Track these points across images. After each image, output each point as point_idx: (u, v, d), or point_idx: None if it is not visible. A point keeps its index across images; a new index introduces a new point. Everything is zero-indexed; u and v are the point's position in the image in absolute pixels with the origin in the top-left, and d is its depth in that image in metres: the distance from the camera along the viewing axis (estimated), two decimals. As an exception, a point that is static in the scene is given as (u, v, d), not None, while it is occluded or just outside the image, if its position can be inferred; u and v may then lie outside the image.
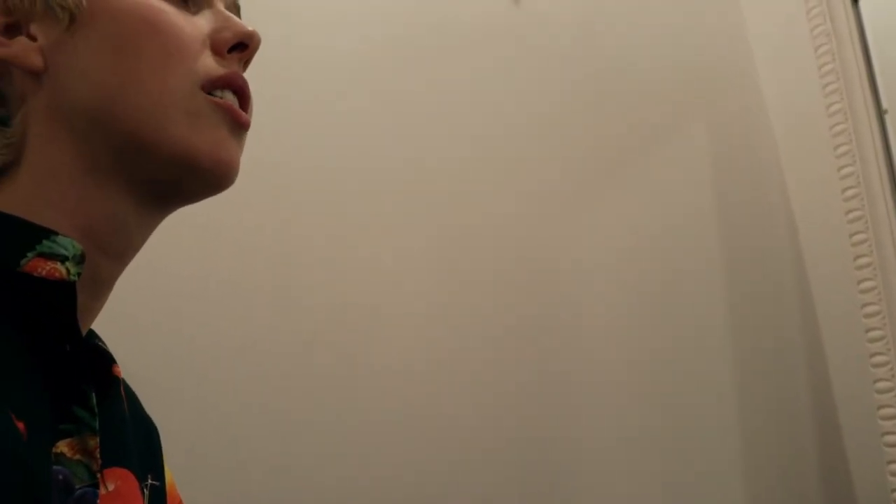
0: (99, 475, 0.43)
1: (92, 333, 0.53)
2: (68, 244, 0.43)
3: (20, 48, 0.46)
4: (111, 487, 0.46)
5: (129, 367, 0.57)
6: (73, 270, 0.43)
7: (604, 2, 1.37)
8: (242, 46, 0.51)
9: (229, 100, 0.50)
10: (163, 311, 0.91)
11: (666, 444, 1.18)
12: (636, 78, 1.33)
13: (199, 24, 0.50)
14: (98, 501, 0.43)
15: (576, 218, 1.25)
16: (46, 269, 0.42)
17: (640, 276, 1.25)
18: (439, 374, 1.09)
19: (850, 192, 1.08)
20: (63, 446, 0.42)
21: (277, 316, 0.98)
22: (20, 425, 0.36)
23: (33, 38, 0.46)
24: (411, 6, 1.22)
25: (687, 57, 1.36)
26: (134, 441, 0.53)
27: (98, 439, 0.43)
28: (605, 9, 1.37)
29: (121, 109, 0.46)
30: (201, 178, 0.48)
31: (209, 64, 0.49)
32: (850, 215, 1.07)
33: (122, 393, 0.53)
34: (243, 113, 0.50)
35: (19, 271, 0.41)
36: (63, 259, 0.42)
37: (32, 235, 0.42)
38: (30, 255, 0.41)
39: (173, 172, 0.47)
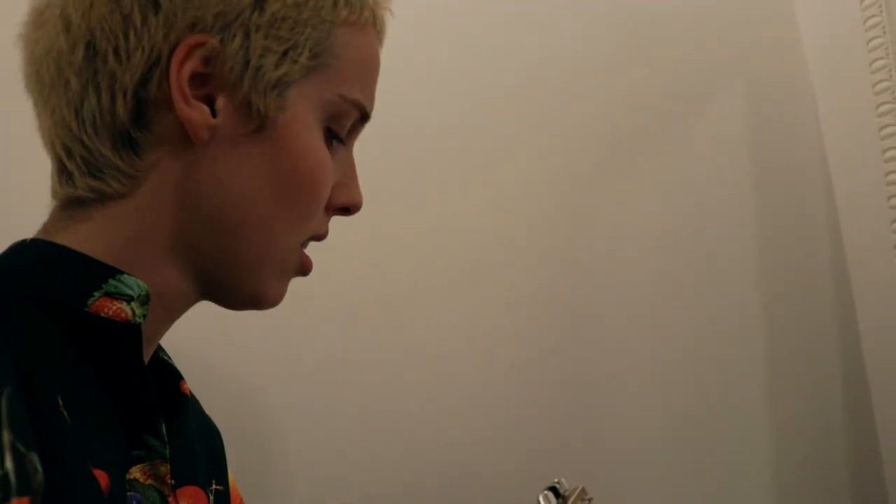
0: (171, 498, 0.47)
1: (157, 347, 0.55)
2: (133, 283, 0.44)
3: (198, 116, 0.45)
4: None
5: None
6: (138, 312, 0.44)
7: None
8: (345, 210, 0.53)
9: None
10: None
11: (691, 383, 1.22)
12: (671, 33, 1.28)
13: (334, 174, 0.51)
14: None
15: (608, 171, 1.24)
16: (113, 309, 0.43)
17: (671, 225, 1.25)
18: (472, 331, 1.13)
19: (890, 154, 1.05)
20: (136, 472, 0.44)
21: (317, 290, 1.00)
22: (100, 473, 0.39)
23: (214, 112, 0.45)
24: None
25: (725, 11, 1.29)
26: (200, 452, 0.56)
27: (169, 465, 0.46)
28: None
29: (242, 241, 0.47)
30: (253, 308, 0.51)
31: (319, 224, 0.52)
32: (889, 177, 1.05)
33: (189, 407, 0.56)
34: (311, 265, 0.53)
35: (86, 311, 0.42)
36: (129, 299, 0.43)
37: (99, 274, 0.43)
38: (96, 294, 0.43)
39: (234, 301, 0.50)
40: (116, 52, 0.43)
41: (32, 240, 0.46)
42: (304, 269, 0.52)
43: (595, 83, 1.25)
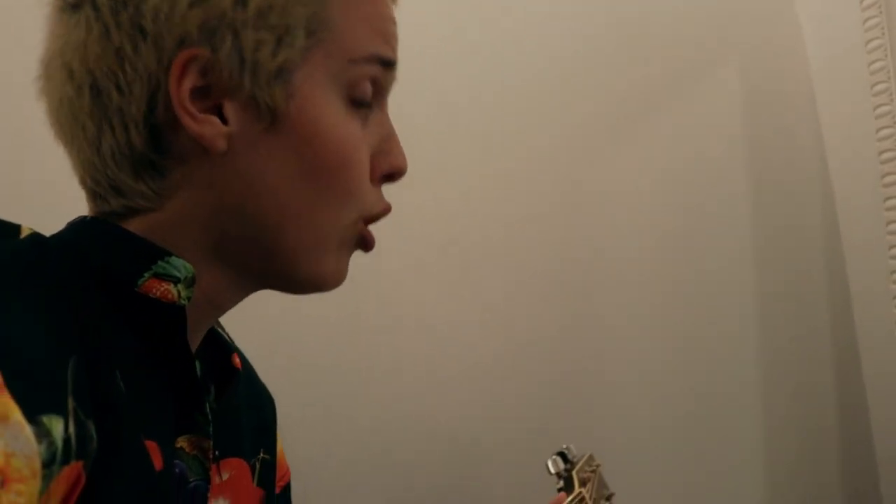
0: (213, 467, 0.48)
1: None
2: (181, 265, 0.44)
3: (209, 129, 0.44)
4: (224, 477, 0.50)
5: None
6: (183, 294, 0.44)
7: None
8: (389, 177, 0.51)
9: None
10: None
11: (688, 381, 1.22)
12: (671, 34, 1.29)
13: (369, 144, 0.49)
14: (210, 492, 0.47)
15: (604, 157, 1.24)
16: (161, 290, 0.43)
17: (667, 215, 1.26)
18: (469, 313, 1.14)
19: (886, 156, 1.07)
20: (183, 441, 0.46)
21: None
22: (151, 444, 0.40)
23: (225, 120, 0.44)
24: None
25: (725, 12, 1.31)
26: (248, 422, 0.56)
27: (212, 441, 0.47)
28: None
29: (284, 234, 0.46)
30: (317, 291, 0.50)
31: (374, 200, 0.49)
32: (884, 155, 1.05)
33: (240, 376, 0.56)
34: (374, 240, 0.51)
35: (137, 291, 0.43)
36: (176, 281, 0.44)
37: (150, 255, 0.43)
38: (146, 274, 0.43)
39: (293, 287, 0.49)
40: (118, 87, 0.43)
41: (92, 217, 0.46)
42: (365, 244, 0.50)
43: (595, 83, 1.26)
